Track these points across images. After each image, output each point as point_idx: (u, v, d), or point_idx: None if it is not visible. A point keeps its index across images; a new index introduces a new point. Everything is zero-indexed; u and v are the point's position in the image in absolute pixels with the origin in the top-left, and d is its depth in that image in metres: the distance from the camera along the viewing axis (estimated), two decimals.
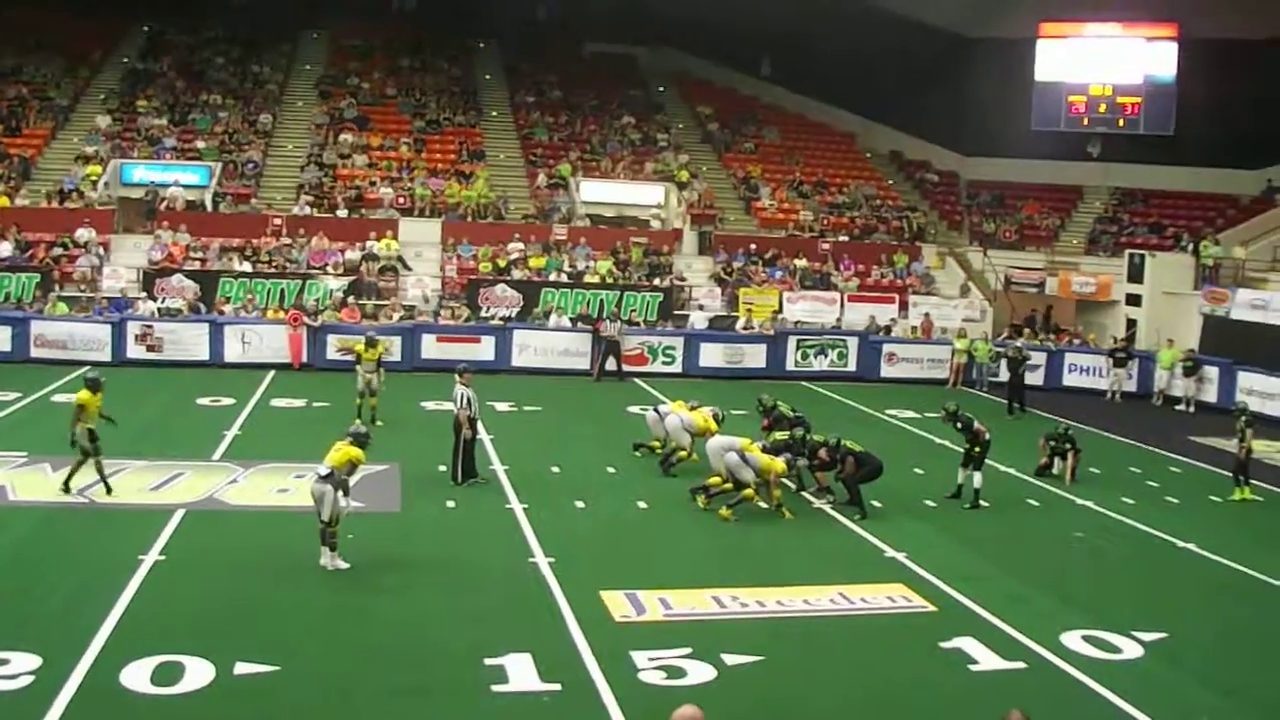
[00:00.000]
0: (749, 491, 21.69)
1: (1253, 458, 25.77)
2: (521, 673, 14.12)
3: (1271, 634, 17.02)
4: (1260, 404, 34.88)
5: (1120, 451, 30.38)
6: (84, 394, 21.08)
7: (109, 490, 20.99)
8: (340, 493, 17.52)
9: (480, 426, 24.27)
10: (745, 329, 40.33)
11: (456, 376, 23.87)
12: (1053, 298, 46.12)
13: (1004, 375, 36.83)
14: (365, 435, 18.65)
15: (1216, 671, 15.38)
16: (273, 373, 35.12)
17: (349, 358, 31.37)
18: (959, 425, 23.75)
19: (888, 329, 41.81)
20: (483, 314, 39.81)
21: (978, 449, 23.30)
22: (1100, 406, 37.12)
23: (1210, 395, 37.45)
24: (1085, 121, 52.12)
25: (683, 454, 25.04)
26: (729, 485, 21.98)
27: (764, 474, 21.86)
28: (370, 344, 29.03)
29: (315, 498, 17.55)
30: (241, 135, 48.46)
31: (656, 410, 26.61)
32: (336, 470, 17.64)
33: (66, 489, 20.83)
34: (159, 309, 37.04)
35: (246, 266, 39.98)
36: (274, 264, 40.36)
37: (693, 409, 25.60)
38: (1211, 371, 37.73)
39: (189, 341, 36.05)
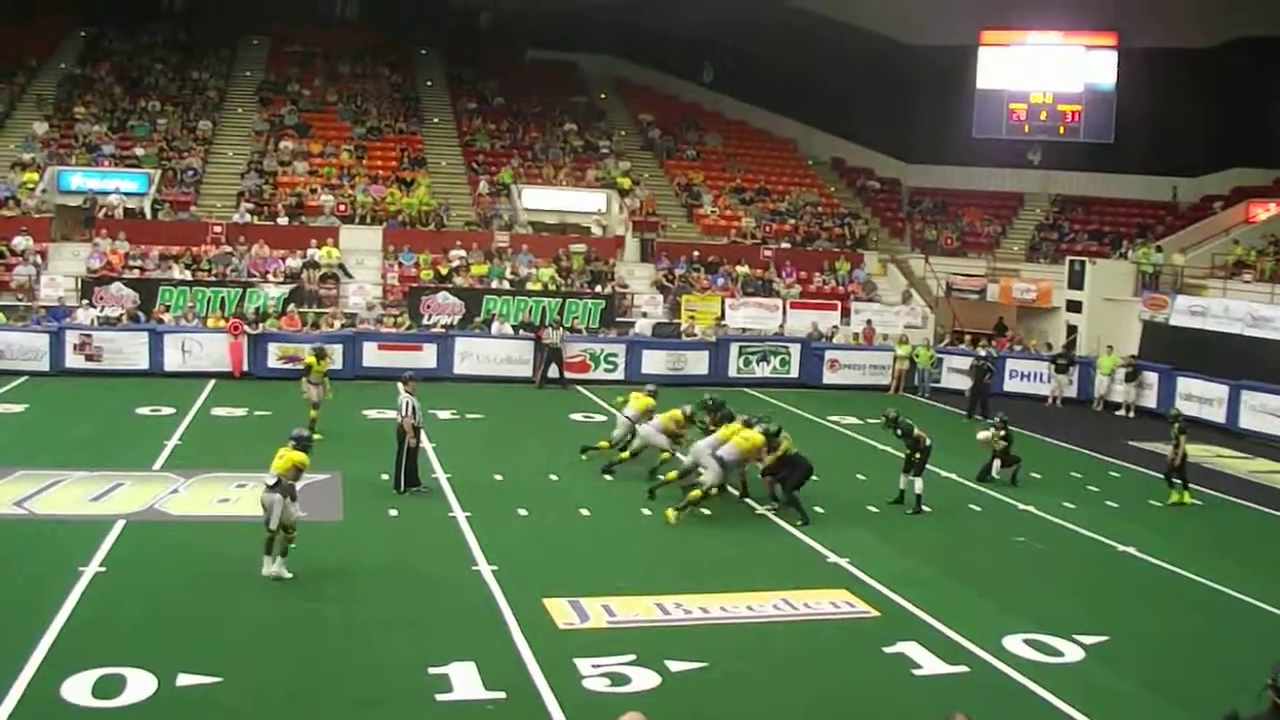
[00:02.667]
0: (696, 494, 21.76)
1: (1190, 462, 26.03)
2: (465, 681, 14.08)
3: (1211, 636, 17.17)
4: (1199, 409, 35.41)
5: (1061, 456, 30.59)
6: None
7: None
8: (289, 499, 17.44)
9: (423, 434, 24.17)
10: (688, 336, 40.39)
11: (401, 384, 23.87)
12: (994, 305, 46.33)
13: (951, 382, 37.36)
14: (307, 439, 18.54)
15: (1157, 674, 15.51)
16: (213, 382, 34.88)
17: (297, 366, 31.17)
18: (899, 431, 23.86)
19: (830, 336, 41.93)
20: (424, 322, 39.66)
21: (918, 455, 23.43)
22: (1041, 412, 37.35)
23: (1150, 401, 37.77)
24: (1026, 129, 52.59)
25: (665, 455, 25.26)
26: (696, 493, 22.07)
27: (747, 455, 22.21)
28: (320, 355, 28.76)
29: (265, 507, 17.47)
30: (181, 142, 48.07)
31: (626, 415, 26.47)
32: (283, 477, 17.55)
33: None
34: (98, 317, 36.70)
35: (186, 275, 39.68)
36: (214, 272, 40.07)
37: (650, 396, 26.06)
38: (1151, 377, 38.08)
39: (129, 350, 35.70)
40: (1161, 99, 47.00)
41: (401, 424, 23.17)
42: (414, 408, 23.29)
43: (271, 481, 17.50)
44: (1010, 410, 34.06)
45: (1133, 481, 28.03)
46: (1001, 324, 45.05)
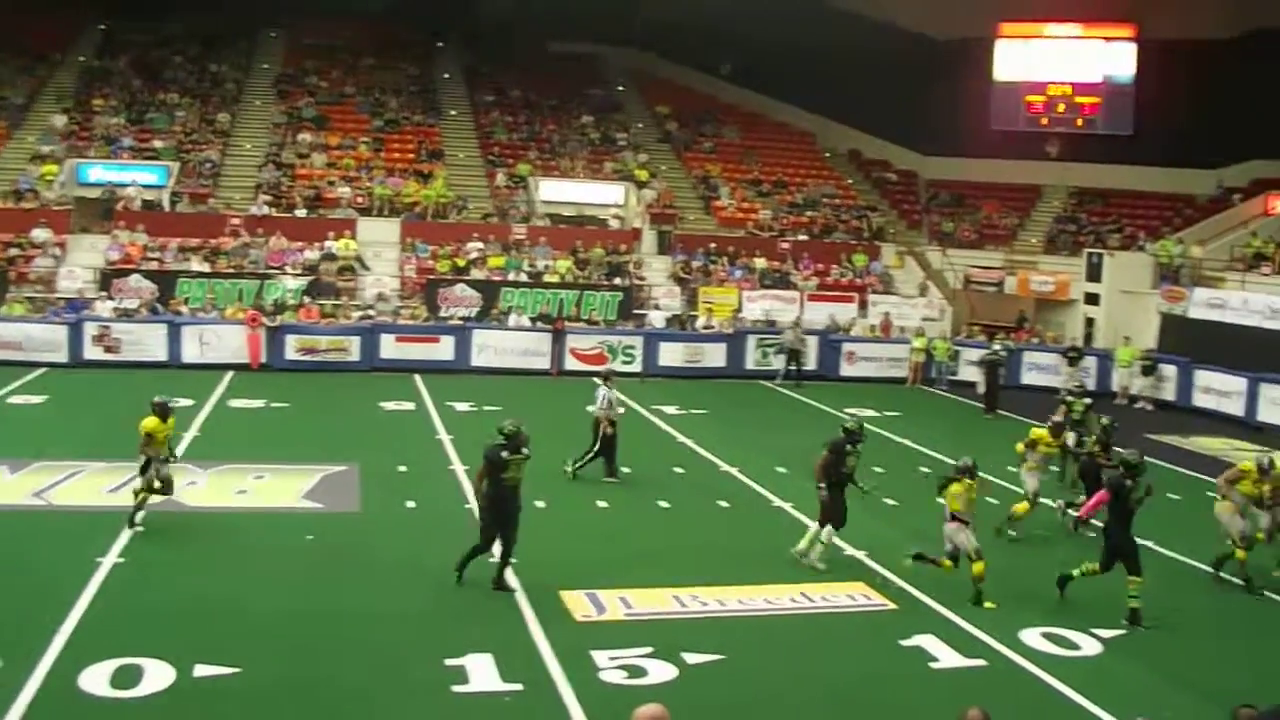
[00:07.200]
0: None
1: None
2: (482, 673, 14.10)
3: (1230, 629, 17.10)
4: (1217, 402, 35.42)
5: None
6: (150, 420, 19.47)
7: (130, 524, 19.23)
8: None
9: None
10: (706, 328, 40.39)
11: (601, 380, 25.08)
12: (1011, 297, 46.23)
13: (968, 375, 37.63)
14: None
15: (1175, 668, 15.48)
16: (231, 373, 34.96)
17: (313, 358, 31.04)
18: None
19: (847, 328, 41.96)
20: (442, 314, 39.71)
21: None
22: (1058, 405, 37.23)
23: (1169, 394, 37.74)
24: (1044, 121, 52.56)
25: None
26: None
27: None
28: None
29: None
30: (199, 135, 48.16)
31: None
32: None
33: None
34: (116, 309, 36.82)
35: (205, 266, 39.77)
36: (232, 264, 40.16)
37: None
38: (1170, 370, 38.01)
39: (147, 342, 35.86)
40: (1180, 91, 46.86)
41: (595, 415, 24.25)
42: (611, 400, 24.26)
43: None
44: (1028, 404, 34.14)
45: (1150, 475, 27.85)
46: (1022, 317, 45.00)
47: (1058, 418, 23.64)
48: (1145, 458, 18.99)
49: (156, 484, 19.31)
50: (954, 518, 17.72)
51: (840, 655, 15.51)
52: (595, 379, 25.13)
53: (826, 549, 18.79)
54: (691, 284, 43.25)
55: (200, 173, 45.52)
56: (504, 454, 16.81)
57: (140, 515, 19.22)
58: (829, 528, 18.77)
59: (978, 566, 17.47)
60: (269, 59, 55.79)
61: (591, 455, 24.17)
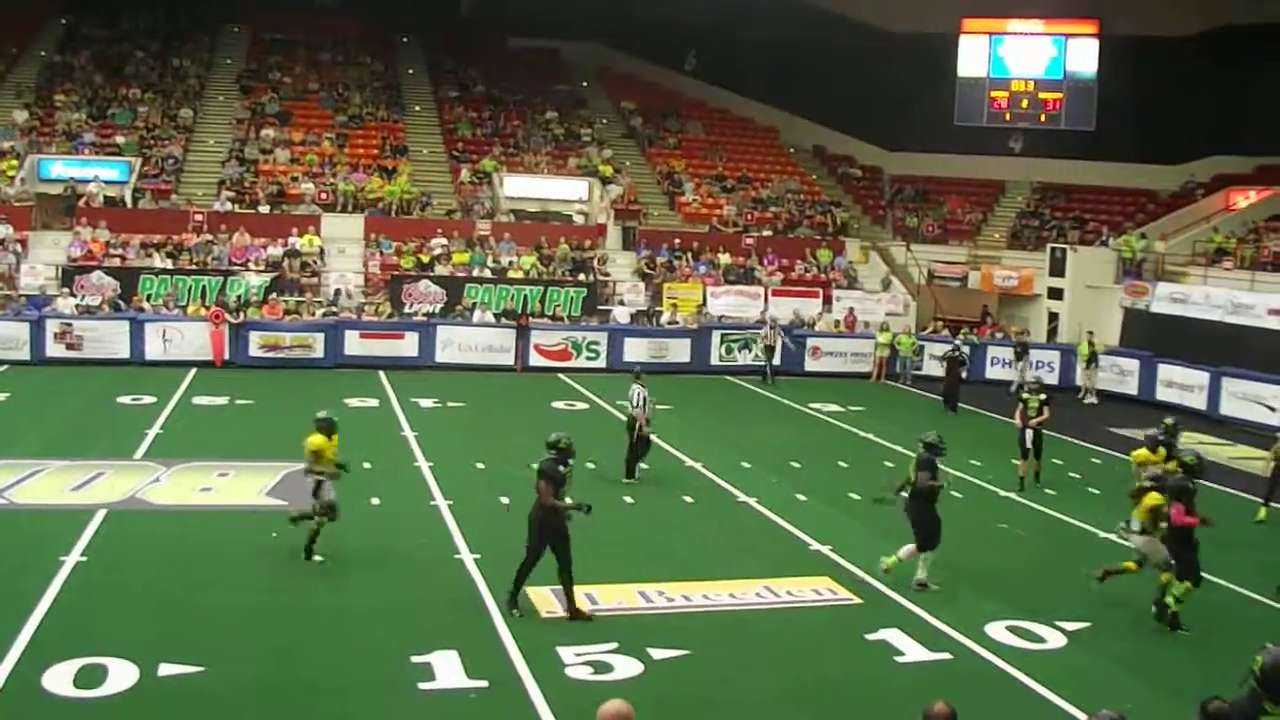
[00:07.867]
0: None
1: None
2: (448, 670, 14.09)
3: (1193, 622, 17.13)
4: (1180, 396, 35.57)
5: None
6: (317, 438, 18.39)
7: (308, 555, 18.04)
8: None
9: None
10: (670, 323, 40.40)
11: (634, 377, 24.88)
12: (975, 292, 46.35)
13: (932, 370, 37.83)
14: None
15: (1139, 660, 15.56)
16: (194, 370, 34.77)
17: (277, 355, 30.85)
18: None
19: (812, 323, 42.02)
20: (406, 310, 39.60)
21: None
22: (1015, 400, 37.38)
23: (1131, 388, 37.91)
24: (1007, 117, 52.59)
25: None
26: None
27: None
28: None
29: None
30: (161, 130, 47.86)
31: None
32: None
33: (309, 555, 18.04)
34: (78, 306, 36.61)
35: (167, 263, 39.56)
36: (195, 260, 39.95)
37: None
38: (1131, 364, 38.20)
39: (109, 339, 35.59)
40: (1142, 87, 47.03)
41: (632, 415, 24.08)
42: (644, 399, 24.05)
43: None
44: (988, 398, 34.24)
45: (1113, 468, 28.03)
46: (985, 312, 45.11)
47: (1151, 431, 23.12)
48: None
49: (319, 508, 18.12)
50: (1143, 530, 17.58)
51: (806, 649, 15.52)
52: (633, 376, 25.11)
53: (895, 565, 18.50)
54: (656, 279, 43.26)
55: (163, 169, 45.27)
56: (560, 468, 16.82)
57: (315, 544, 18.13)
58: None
59: (1165, 576, 17.12)
60: (232, 54, 55.48)
61: (638, 455, 24.27)
